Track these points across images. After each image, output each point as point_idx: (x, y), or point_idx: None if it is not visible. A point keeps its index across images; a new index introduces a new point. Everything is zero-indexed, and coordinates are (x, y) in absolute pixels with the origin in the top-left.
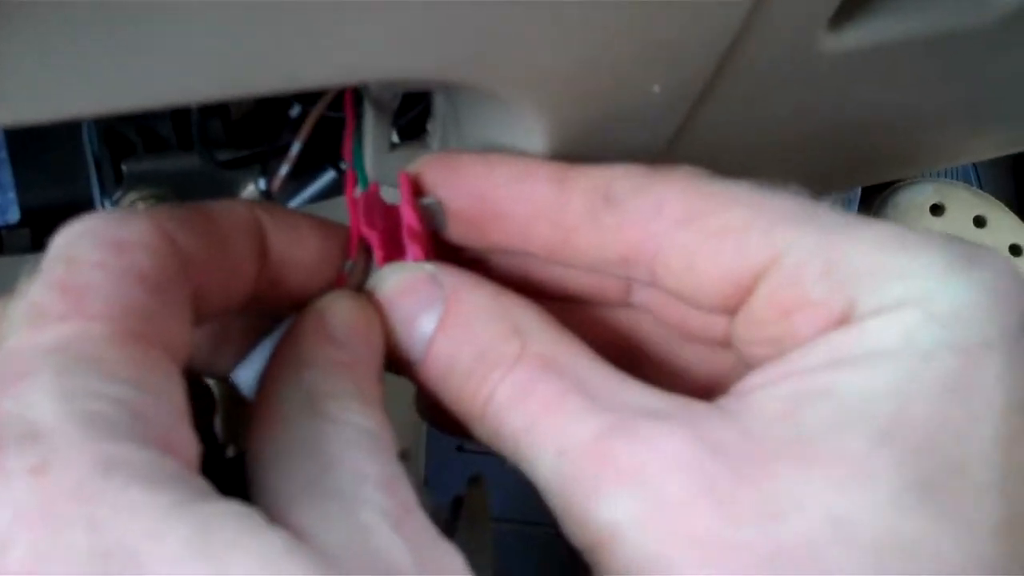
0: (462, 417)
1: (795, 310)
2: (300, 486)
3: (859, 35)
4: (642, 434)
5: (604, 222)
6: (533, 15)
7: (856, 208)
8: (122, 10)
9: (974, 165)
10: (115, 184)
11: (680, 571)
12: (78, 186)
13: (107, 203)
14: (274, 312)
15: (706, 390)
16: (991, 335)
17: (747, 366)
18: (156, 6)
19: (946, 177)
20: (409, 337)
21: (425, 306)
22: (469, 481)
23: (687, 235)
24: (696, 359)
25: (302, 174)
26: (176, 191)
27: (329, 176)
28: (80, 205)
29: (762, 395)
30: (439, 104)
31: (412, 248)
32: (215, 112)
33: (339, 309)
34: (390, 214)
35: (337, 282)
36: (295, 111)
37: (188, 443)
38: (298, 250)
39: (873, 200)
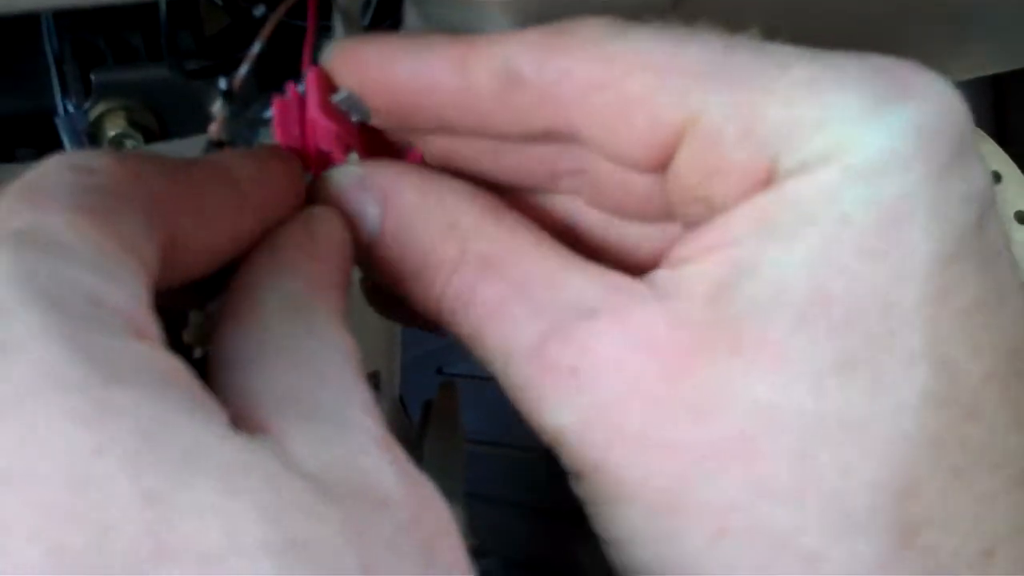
0: (426, 315)
1: (718, 172)
2: (283, 396)
3: None
4: (576, 337)
5: (514, 103)
6: None
7: None
8: None
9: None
10: (83, 95)
11: (617, 473)
12: (42, 96)
13: (71, 110)
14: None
15: (651, 267)
16: (913, 184)
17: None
18: None
19: None
20: (361, 236)
21: (364, 206)
22: (440, 387)
23: (598, 105)
24: (636, 238)
25: (272, 85)
26: (146, 102)
27: None
28: (44, 115)
29: (691, 272)
30: (409, 11)
31: (332, 150)
32: (186, 24)
33: (325, 224)
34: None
35: (303, 196)
36: (259, 10)
37: (153, 328)
38: (270, 187)
39: None
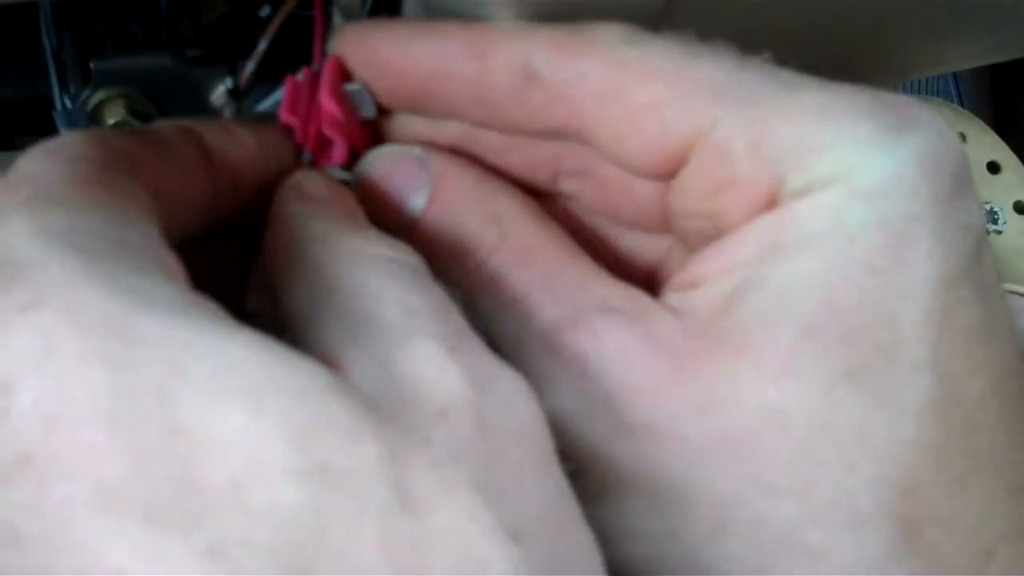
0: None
1: (725, 188)
2: (343, 328)
3: None
4: (590, 328)
5: (529, 99)
6: None
7: None
8: None
9: (956, 83)
10: (80, 83)
11: (618, 464)
12: (41, 84)
13: (67, 101)
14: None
15: (645, 277)
16: (918, 208)
17: (684, 246)
18: None
19: (927, 94)
20: (397, 215)
21: (413, 186)
22: None
23: (610, 111)
24: (631, 246)
25: (272, 76)
26: (144, 90)
27: None
28: (43, 102)
29: (702, 291)
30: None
31: (335, 138)
32: (185, 12)
33: (310, 177)
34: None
35: (290, 166)
36: (264, 11)
37: (180, 270)
38: (236, 150)
39: None
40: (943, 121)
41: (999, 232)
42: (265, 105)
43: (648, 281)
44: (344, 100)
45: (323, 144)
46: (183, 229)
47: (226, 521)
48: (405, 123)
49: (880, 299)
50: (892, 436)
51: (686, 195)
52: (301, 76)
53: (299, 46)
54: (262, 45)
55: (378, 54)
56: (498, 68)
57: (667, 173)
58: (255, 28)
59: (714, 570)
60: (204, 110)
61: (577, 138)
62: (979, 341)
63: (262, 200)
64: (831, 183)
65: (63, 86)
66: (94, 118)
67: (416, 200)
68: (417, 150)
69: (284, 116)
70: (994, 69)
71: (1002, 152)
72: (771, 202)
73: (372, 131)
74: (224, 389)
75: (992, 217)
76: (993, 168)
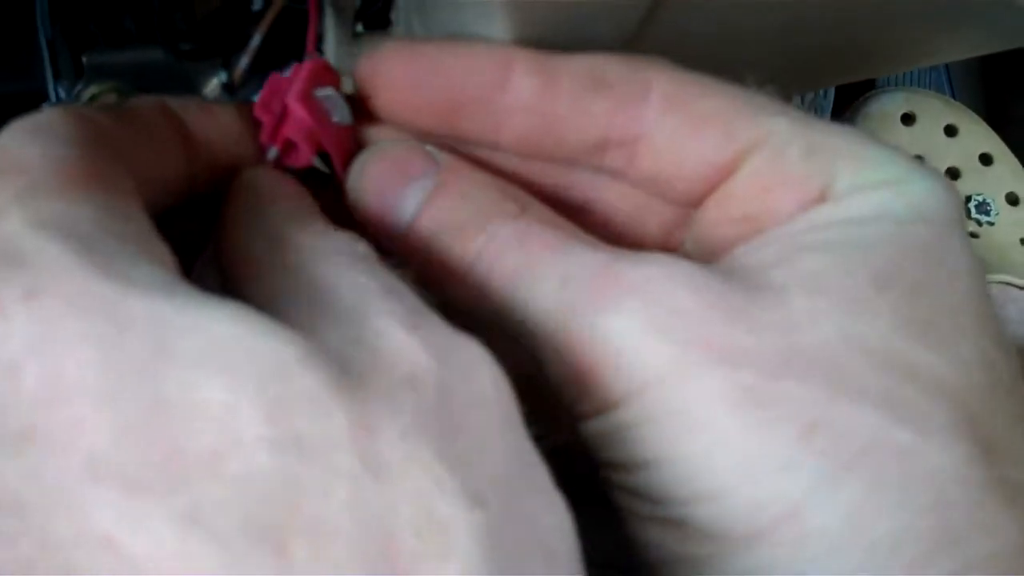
0: (442, 278)
1: (775, 187)
2: (307, 314)
3: None
4: (648, 258)
5: (593, 108)
6: None
7: (828, 117)
8: None
9: (948, 75)
10: (74, 77)
11: (697, 371)
12: (35, 77)
13: (62, 93)
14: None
15: None
16: (950, 215)
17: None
18: None
19: (920, 86)
20: (396, 205)
21: (419, 176)
22: None
23: (675, 118)
24: (655, 223)
25: (266, 69)
26: (137, 84)
27: None
28: (36, 96)
29: (754, 256)
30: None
31: (299, 142)
32: (178, 6)
33: (258, 173)
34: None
35: (253, 156)
36: (257, 5)
37: (168, 254)
38: (215, 130)
39: (844, 110)
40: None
41: (991, 224)
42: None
43: None
44: (314, 105)
45: (289, 146)
46: (159, 205)
47: (204, 489)
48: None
49: (936, 270)
50: (959, 381)
51: (730, 200)
52: (289, 72)
53: (293, 39)
54: (256, 39)
55: (429, 62)
56: (565, 78)
57: (708, 189)
58: (249, 22)
59: (802, 467)
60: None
61: (620, 156)
62: (998, 324)
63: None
64: (880, 187)
65: (57, 78)
66: None
67: (419, 189)
68: (427, 145)
69: (257, 111)
70: (985, 61)
71: (994, 144)
72: (821, 198)
73: (352, 136)
74: (205, 365)
75: (984, 209)
76: (985, 160)
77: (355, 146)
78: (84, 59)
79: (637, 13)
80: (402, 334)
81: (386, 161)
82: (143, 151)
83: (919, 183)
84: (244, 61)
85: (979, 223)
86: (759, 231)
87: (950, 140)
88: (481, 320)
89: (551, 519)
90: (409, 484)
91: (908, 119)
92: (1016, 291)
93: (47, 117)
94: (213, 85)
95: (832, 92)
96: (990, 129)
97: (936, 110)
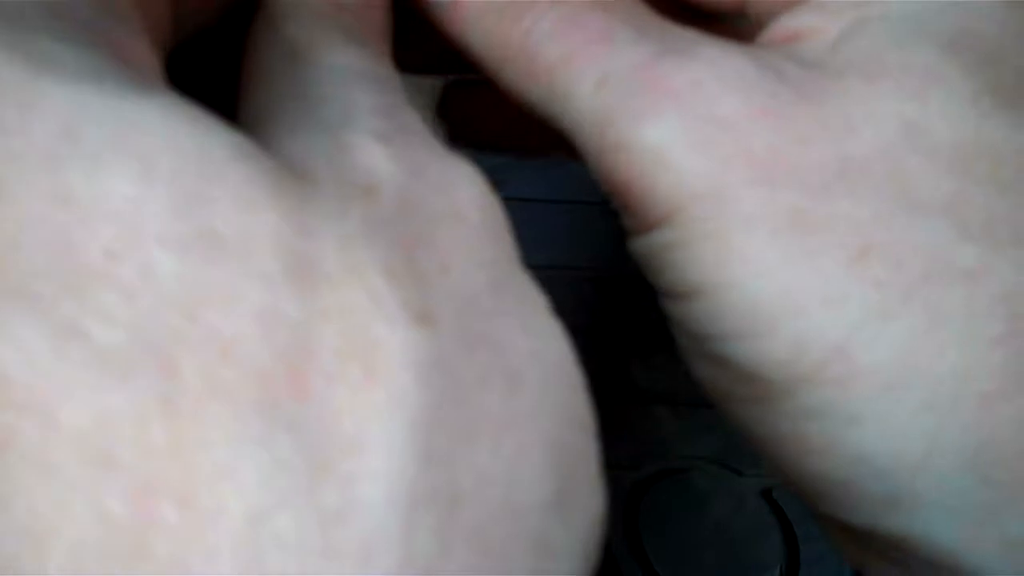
0: (489, 63)
1: None
2: (282, 126)
3: None
4: (697, 53)
5: None
6: None
7: None
8: None
9: None
10: None
11: (735, 192)
12: None
13: None
14: None
15: None
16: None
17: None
18: None
19: None
20: None
21: None
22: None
23: None
24: None
25: None
26: None
27: None
28: None
29: (807, 32)
30: None
31: None
32: None
33: None
34: None
35: None
36: None
37: (146, 57)
38: None
39: None
40: None
41: None
42: None
43: None
44: None
45: None
46: (194, 17)
47: (92, 295)
48: None
49: (1013, 35)
50: None
51: None
52: None
53: None
54: None
55: None
56: None
57: None
58: None
59: (850, 299)
60: None
61: None
62: None
63: None
64: None
65: None
66: None
67: None
68: None
69: None
70: None
71: None
72: None
73: None
74: (115, 152)
75: None
76: None
77: None
78: None
79: None
80: (372, 145)
81: None
82: None
83: None
84: None
85: None
86: None
87: None
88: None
89: (526, 343)
90: (340, 297)
91: None
92: None
93: None
94: None
95: None
96: None
97: None
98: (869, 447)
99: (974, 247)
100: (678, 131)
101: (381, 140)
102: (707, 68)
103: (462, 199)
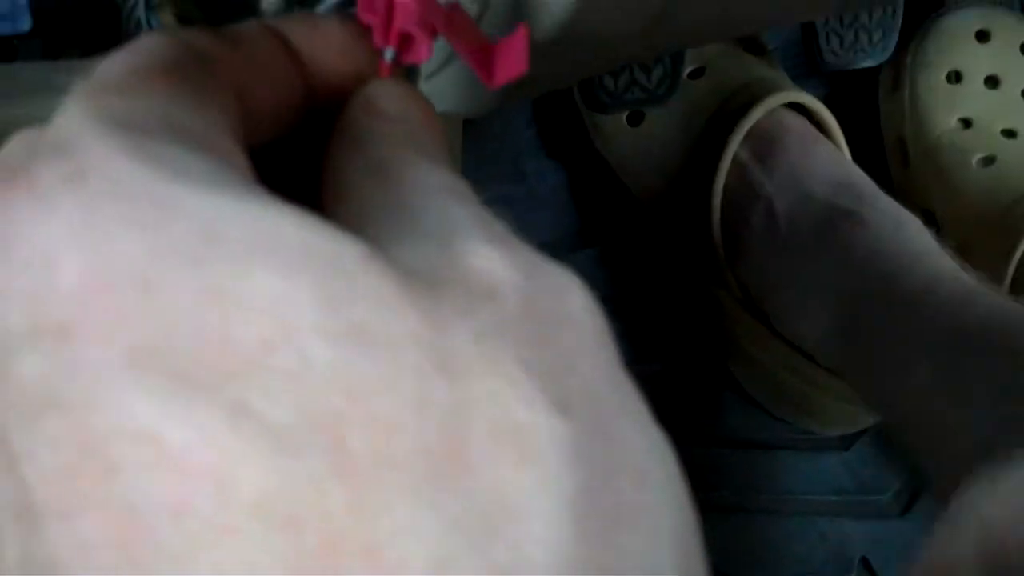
0: None
1: None
2: (384, 235)
3: None
4: None
5: None
6: None
7: (897, 36)
8: None
9: None
10: None
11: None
12: None
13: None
14: None
15: None
16: None
17: None
18: None
19: (991, 4)
20: None
21: None
22: None
23: None
24: None
25: None
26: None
27: None
28: (97, 6)
29: None
30: None
31: (415, 33)
32: None
33: (386, 90)
34: None
35: (380, 74)
36: None
37: (242, 156)
38: (323, 45)
39: (916, 28)
40: None
41: None
42: (324, 7)
43: None
44: None
45: (406, 40)
46: (273, 126)
47: (255, 379)
48: None
49: None
50: None
51: None
52: None
53: None
54: None
55: None
56: None
57: None
58: None
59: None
60: (251, 15)
61: None
62: None
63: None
64: None
65: None
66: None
67: None
68: None
69: (362, 14)
70: None
71: None
72: None
73: (462, 13)
74: (257, 253)
75: None
76: None
77: (467, 22)
78: None
79: None
80: (489, 251)
81: None
82: (242, 67)
83: None
84: None
85: None
86: None
87: None
88: None
89: (643, 442)
90: (484, 385)
91: (983, 36)
92: None
93: (142, 39)
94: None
95: (900, 10)
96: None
97: (1011, 27)
98: None
99: None
100: None
101: (493, 245)
102: None
103: (575, 304)
